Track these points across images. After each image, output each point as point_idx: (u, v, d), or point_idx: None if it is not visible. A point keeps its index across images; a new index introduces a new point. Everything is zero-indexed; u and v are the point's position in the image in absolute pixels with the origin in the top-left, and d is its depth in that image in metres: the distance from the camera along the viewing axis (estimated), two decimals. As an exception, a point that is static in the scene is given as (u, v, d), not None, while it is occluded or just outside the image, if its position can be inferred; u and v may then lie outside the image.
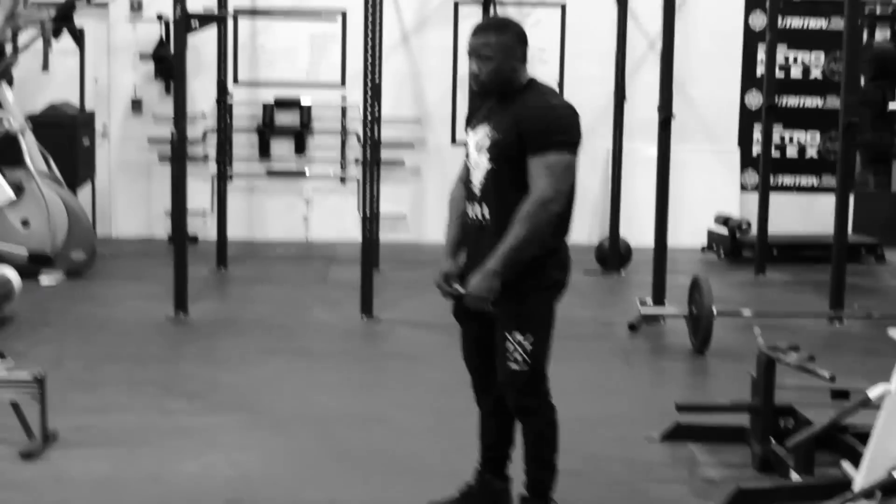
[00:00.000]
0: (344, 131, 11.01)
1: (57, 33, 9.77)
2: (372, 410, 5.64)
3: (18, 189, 8.76)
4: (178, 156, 7.60)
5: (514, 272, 3.83)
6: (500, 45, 3.88)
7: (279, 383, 6.13)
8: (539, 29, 10.65)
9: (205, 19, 7.72)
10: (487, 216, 3.94)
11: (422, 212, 11.14)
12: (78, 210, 8.99)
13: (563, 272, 4.00)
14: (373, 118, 8.70)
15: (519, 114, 3.87)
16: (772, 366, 4.78)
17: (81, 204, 9.25)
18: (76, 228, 8.91)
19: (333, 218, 11.10)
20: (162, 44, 10.69)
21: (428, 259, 9.95)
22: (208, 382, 6.10)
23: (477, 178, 3.96)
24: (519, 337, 3.87)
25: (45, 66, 9.66)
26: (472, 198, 3.99)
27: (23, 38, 9.99)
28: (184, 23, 7.40)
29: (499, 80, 3.91)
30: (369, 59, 7.86)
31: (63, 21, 9.66)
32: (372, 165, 8.63)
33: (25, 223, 8.86)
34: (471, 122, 4.08)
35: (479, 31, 3.98)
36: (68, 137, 9.56)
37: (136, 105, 10.93)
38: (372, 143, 8.66)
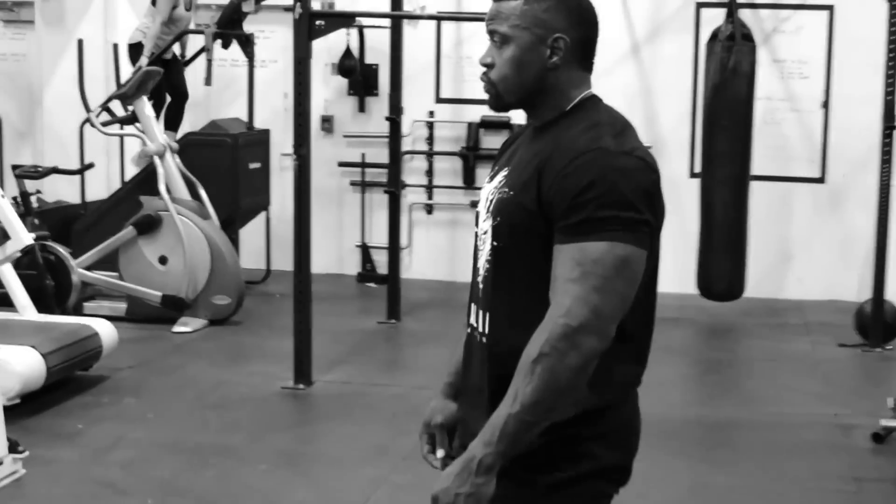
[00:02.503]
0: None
1: (226, 42, 8.57)
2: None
3: (153, 221, 7.56)
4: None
5: (522, 452, 2.11)
6: (526, 17, 2.19)
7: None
8: (799, 36, 8.54)
9: (334, 20, 6.18)
10: (485, 329, 2.27)
11: (651, 257, 9.20)
12: (223, 247, 7.69)
13: (620, 450, 2.26)
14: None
15: (545, 158, 2.16)
16: None
17: (228, 240, 7.93)
18: (220, 269, 7.61)
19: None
20: (348, 55, 9.29)
21: (660, 316, 8.07)
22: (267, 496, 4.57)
23: (480, 263, 2.30)
24: None
25: (208, 79, 8.45)
26: (472, 293, 2.34)
27: (191, 47, 8.92)
28: (307, 23, 5.91)
29: (520, 83, 2.22)
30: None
31: (230, 27, 8.43)
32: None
33: (163, 260, 7.65)
34: (495, 165, 2.36)
35: None
36: (229, 160, 8.28)
37: (327, 123, 9.60)
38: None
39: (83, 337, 6.06)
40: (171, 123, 8.52)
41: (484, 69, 2.26)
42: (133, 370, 6.51)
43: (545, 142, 2.20)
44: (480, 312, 2.28)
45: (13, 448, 4.76)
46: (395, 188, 7.94)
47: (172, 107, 8.58)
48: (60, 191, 9.17)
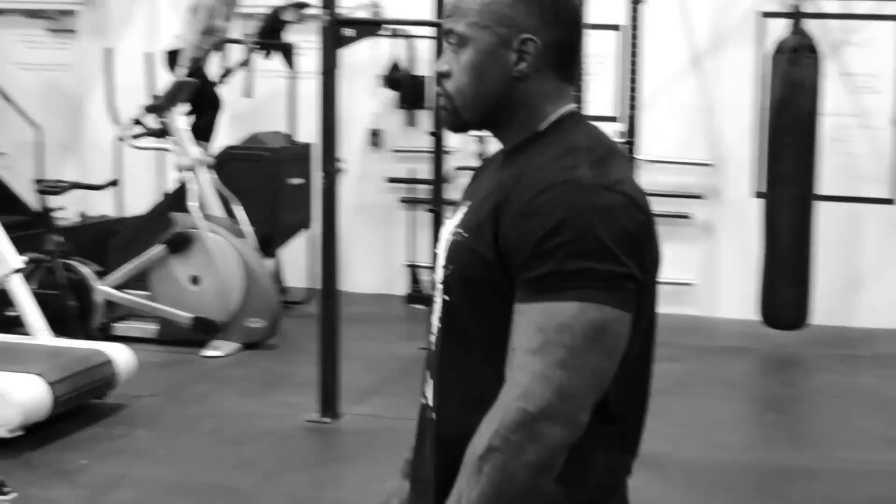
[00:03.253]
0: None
1: (268, 52, 8.26)
2: None
3: (184, 240, 7.24)
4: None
5: None
6: (487, 14, 1.80)
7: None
8: (870, 48, 8.00)
9: (364, 28, 5.79)
10: (435, 405, 1.88)
11: (714, 279, 8.69)
12: (257, 268, 7.34)
13: None
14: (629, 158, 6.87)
15: (505, 192, 1.75)
16: None
17: (262, 260, 7.57)
18: (254, 290, 7.26)
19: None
20: (396, 66, 8.91)
21: (716, 344, 7.64)
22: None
23: (434, 320, 1.90)
24: None
25: (248, 91, 8.13)
26: (427, 357, 1.95)
27: (231, 57, 8.62)
28: (334, 32, 5.54)
29: (479, 96, 1.82)
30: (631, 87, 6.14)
31: (271, 37, 8.11)
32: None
33: (195, 280, 7.32)
34: (461, 197, 1.94)
35: None
36: (269, 175, 7.94)
37: (375, 137, 9.23)
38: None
39: (95, 364, 5.73)
40: (203, 134, 8.24)
41: (439, 78, 1.85)
42: (153, 398, 6.17)
43: (510, 171, 1.78)
44: (431, 383, 1.88)
45: (-1, 488, 4.44)
46: (437, 207, 7.54)
47: (205, 118, 8.29)
48: (104, 205, 8.92)
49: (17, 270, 4.42)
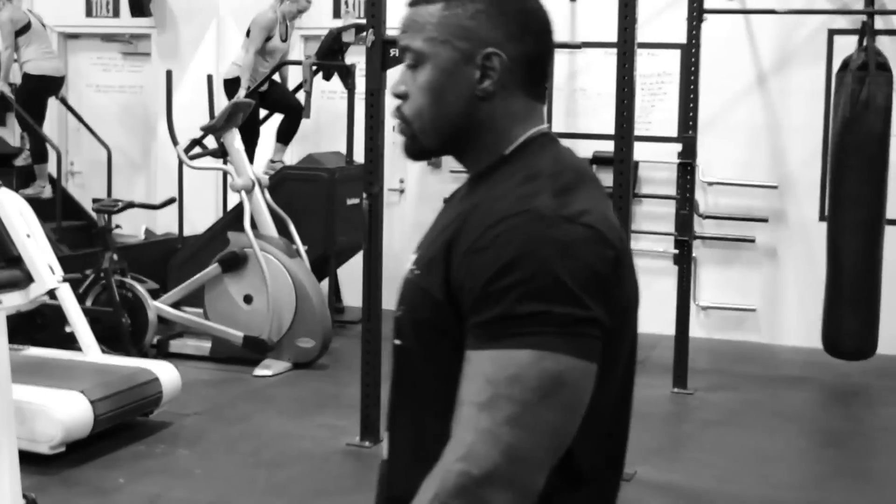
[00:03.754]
0: (685, 196, 8.57)
1: (327, 74, 8.27)
2: None
3: (238, 259, 7.26)
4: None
5: None
6: (446, 27, 1.65)
7: None
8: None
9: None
10: (386, 454, 1.73)
11: (777, 305, 8.46)
12: (310, 288, 7.32)
13: None
14: (689, 180, 6.91)
15: (459, 224, 1.60)
16: None
17: (315, 280, 7.54)
18: (305, 310, 7.25)
19: (663, 306, 8.70)
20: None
21: (776, 373, 7.43)
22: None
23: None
24: None
25: (307, 112, 8.15)
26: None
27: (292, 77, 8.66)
28: (380, 51, 5.50)
29: (440, 119, 1.67)
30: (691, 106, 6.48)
31: (330, 58, 8.12)
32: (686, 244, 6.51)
33: (248, 300, 7.33)
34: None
35: None
36: (325, 195, 7.93)
37: (434, 158, 9.14)
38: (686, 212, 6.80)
39: (140, 382, 5.75)
40: (284, 137, 8.35)
41: (397, 101, 1.71)
42: (198, 417, 6.18)
43: (470, 201, 1.64)
44: (386, 435, 1.75)
45: (30, 506, 4.45)
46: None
47: (286, 121, 8.39)
48: (172, 223, 8.99)
49: (54, 289, 4.38)
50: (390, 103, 1.98)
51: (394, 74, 6.04)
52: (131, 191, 9.83)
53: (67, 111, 9.56)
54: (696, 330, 8.24)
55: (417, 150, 1.71)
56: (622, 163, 5.04)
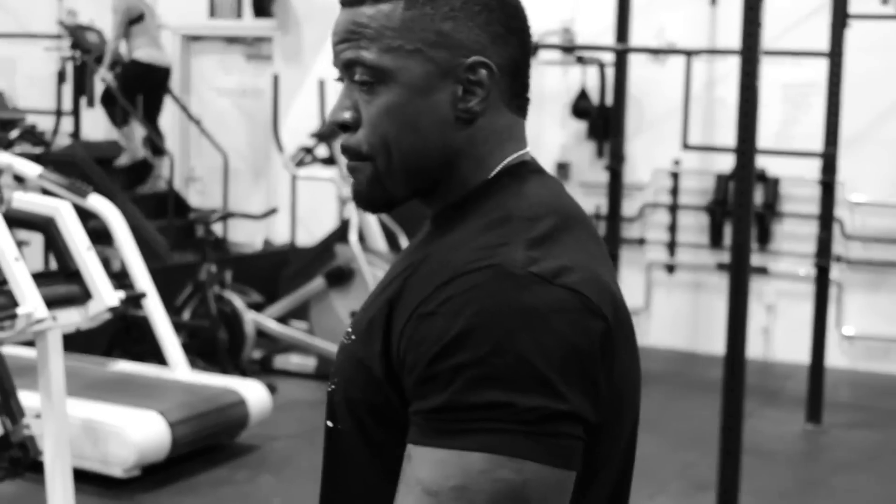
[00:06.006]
0: (825, 217, 7.91)
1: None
2: None
3: (343, 273, 6.93)
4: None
5: None
6: (414, 31, 1.24)
7: None
8: None
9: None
10: None
11: (932, 338, 7.73)
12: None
13: None
14: (830, 199, 6.38)
15: (403, 281, 1.22)
16: None
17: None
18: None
19: (802, 333, 8.02)
20: (584, 95, 8.37)
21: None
22: None
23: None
24: None
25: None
26: None
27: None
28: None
29: (417, 156, 1.26)
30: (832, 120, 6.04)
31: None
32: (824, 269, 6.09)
33: (354, 315, 6.98)
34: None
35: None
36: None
37: (562, 170, 8.72)
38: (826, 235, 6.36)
39: (225, 404, 5.45)
40: None
41: (341, 133, 1.29)
42: (289, 440, 5.86)
43: (423, 249, 1.26)
44: None
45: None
46: (613, 248, 6.98)
47: None
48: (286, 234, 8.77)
49: (112, 309, 4.10)
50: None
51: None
52: (249, 198, 9.65)
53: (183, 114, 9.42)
54: (838, 360, 7.61)
55: (382, 197, 1.30)
56: (743, 181, 4.51)
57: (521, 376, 1.09)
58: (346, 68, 1.27)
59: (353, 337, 1.27)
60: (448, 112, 1.24)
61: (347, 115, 1.27)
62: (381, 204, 1.31)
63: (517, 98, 1.30)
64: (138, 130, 8.34)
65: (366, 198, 1.30)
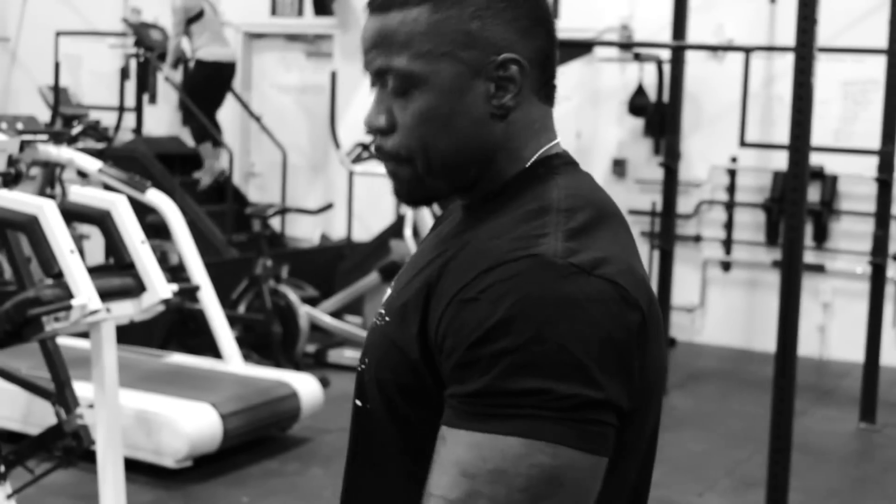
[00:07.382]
0: (882, 215, 7.81)
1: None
2: None
3: (397, 269, 6.97)
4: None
5: None
6: (443, 35, 1.28)
7: None
8: None
9: (566, 51, 5.32)
10: None
11: None
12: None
13: None
14: (884, 196, 6.36)
15: (441, 265, 1.26)
16: None
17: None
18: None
19: (858, 331, 7.93)
20: (640, 91, 8.35)
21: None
22: None
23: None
24: None
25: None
26: None
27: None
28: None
29: (455, 154, 1.30)
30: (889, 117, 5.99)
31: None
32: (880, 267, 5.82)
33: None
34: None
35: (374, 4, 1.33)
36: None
37: (619, 166, 8.70)
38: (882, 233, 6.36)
39: (277, 397, 5.53)
40: None
41: (376, 137, 1.33)
42: (340, 434, 5.92)
43: (462, 236, 1.30)
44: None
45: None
46: (667, 245, 6.94)
47: None
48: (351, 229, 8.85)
49: (166, 301, 4.18)
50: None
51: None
52: (308, 194, 9.75)
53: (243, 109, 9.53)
54: (894, 359, 7.51)
55: (423, 195, 1.35)
56: (796, 178, 4.49)
57: (560, 364, 1.13)
58: (378, 76, 1.31)
59: (386, 318, 1.30)
60: (482, 110, 1.29)
61: (382, 120, 1.31)
62: (422, 201, 1.37)
63: (545, 87, 1.33)
64: (221, 150, 8.43)
65: (407, 197, 1.35)
